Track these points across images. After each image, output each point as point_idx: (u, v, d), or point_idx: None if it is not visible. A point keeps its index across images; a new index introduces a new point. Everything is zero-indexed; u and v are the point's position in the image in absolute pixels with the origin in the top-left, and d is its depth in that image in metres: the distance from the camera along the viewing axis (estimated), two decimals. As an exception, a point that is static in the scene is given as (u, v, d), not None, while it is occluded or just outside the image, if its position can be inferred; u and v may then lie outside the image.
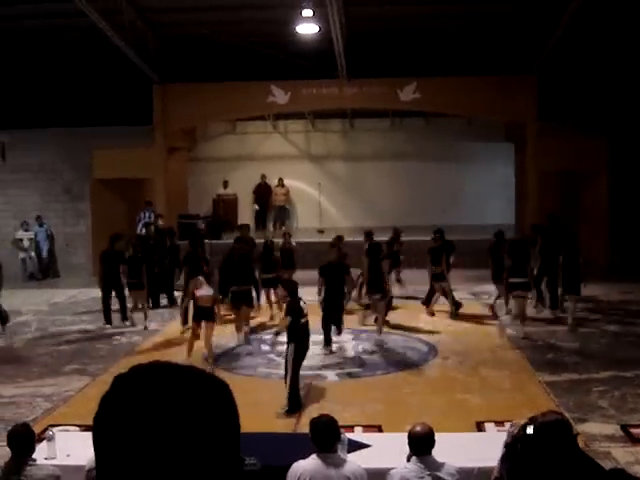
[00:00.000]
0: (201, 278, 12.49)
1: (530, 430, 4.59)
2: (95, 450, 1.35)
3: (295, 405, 9.82)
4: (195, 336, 12.25)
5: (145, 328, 15.05)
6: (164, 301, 17.38)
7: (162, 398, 1.31)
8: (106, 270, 15.38)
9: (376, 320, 14.07)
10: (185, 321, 14.24)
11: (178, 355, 12.24)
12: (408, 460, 5.72)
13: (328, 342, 12.91)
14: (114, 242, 15.64)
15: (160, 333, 14.82)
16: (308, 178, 25.64)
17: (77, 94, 21.61)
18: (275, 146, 26.32)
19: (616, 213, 20.79)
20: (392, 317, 15.58)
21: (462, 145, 25.18)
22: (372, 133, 25.89)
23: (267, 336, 14.12)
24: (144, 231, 19.24)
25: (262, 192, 25.28)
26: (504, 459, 4.77)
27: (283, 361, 10.32)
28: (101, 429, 1.34)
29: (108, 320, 15.35)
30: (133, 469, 1.29)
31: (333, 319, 13.08)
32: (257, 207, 25.14)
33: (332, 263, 13.57)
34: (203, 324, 12.14)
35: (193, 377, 1.38)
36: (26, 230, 22.03)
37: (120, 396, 1.34)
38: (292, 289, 10.47)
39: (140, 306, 15.60)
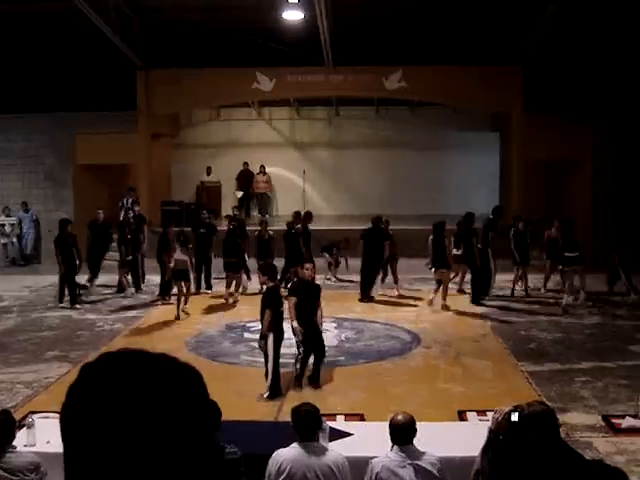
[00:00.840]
0: (176, 245, 15.27)
1: (514, 417, 4.57)
2: (63, 441, 1.30)
3: (276, 391, 9.80)
4: (180, 294, 14.80)
5: (136, 292, 17.09)
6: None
7: (131, 387, 1.27)
8: (64, 253, 16.04)
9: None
10: (163, 292, 16.26)
11: (159, 342, 12.19)
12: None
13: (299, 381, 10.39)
14: (63, 227, 16.41)
15: (142, 320, 14.75)
16: (292, 166, 25.57)
17: (60, 79, 21.41)
18: (260, 133, 26.22)
19: (600, 203, 20.86)
20: (375, 305, 15.69)
21: (448, 134, 25.16)
22: (357, 121, 25.83)
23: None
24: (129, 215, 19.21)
25: (245, 179, 25.18)
26: (486, 449, 4.74)
27: (261, 351, 10.23)
28: (69, 419, 1.30)
29: (61, 299, 16.11)
30: (102, 460, 1.24)
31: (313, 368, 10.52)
32: (240, 194, 25.03)
33: (303, 281, 10.80)
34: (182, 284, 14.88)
35: (163, 364, 1.34)
36: (8, 215, 21.86)
37: (87, 385, 1.30)
38: (272, 272, 10.34)
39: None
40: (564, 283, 16.11)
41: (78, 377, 1.32)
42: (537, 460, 4.11)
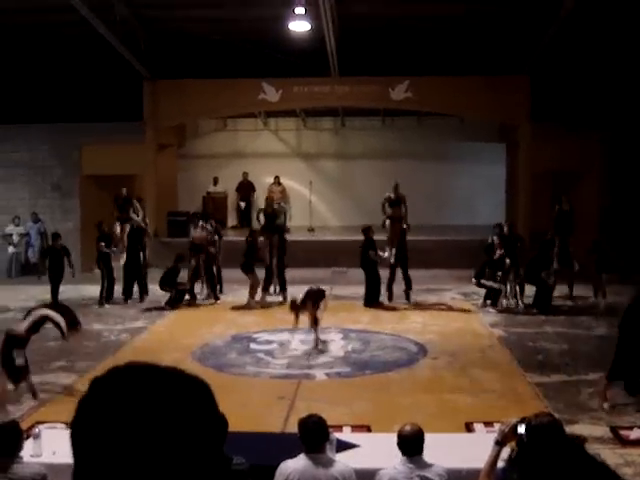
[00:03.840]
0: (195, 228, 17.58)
1: (521, 429, 4.54)
2: (73, 454, 1.30)
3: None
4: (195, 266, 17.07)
5: (140, 301, 17.35)
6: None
7: (141, 401, 1.27)
8: (51, 265, 17.12)
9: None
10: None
11: (165, 352, 12.18)
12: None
13: None
14: (55, 239, 17.35)
15: (148, 331, 14.74)
16: (299, 176, 25.55)
17: (67, 89, 21.48)
18: (266, 144, 26.25)
19: (607, 214, 20.80)
20: (381, 316, 15.65)
21: (454, 145, 25.16)
22: (363, 132, 25.85)
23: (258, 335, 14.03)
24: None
25: (245, 190, 25.22)
26: (513, 463, 4.63)
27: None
28: (79, 433, 1.29)
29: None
30: (112, 473, 1.24)
31: None
32: (243, 205, 25.14)
33: None
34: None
35: (172, 378, 1.34)
36: (17, 225, 21.92)
37: (98, 400, 1.30)
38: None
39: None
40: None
41: (88, 391, 1.32)
42: (555, 471, 4.08)
